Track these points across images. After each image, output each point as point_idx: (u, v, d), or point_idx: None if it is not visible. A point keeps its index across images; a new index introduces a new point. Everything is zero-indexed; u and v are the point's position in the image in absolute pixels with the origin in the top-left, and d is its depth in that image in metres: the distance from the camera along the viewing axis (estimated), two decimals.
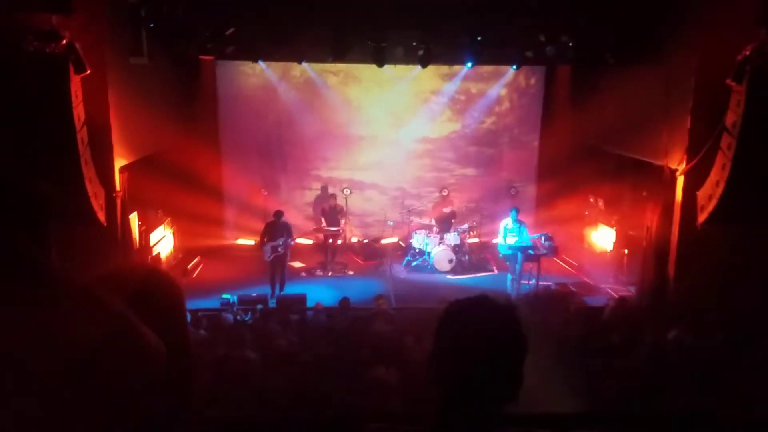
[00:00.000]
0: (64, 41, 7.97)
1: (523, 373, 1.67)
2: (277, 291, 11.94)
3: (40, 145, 8.00)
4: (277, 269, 11.99)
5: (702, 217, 9.13)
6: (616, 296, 11.18)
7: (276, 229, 11.90)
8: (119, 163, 10.06)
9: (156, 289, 1.78)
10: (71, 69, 8.08)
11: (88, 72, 8.33)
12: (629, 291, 11.91)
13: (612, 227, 13.12)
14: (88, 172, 8.66)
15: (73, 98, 8.14)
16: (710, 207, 8.85)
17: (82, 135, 8.44)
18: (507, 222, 12.07)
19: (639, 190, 12.31)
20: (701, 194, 9.22)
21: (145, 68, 10.94)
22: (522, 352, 1.67)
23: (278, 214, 12.00)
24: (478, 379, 1.62)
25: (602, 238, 13.55)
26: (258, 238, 12.77)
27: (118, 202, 9.99)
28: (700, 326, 7.69)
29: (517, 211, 12.13)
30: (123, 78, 10.08)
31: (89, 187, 8.64)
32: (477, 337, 1.64)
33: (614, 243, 12.98)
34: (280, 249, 11.83)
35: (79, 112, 8.35)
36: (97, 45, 8.92)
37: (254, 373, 6.71)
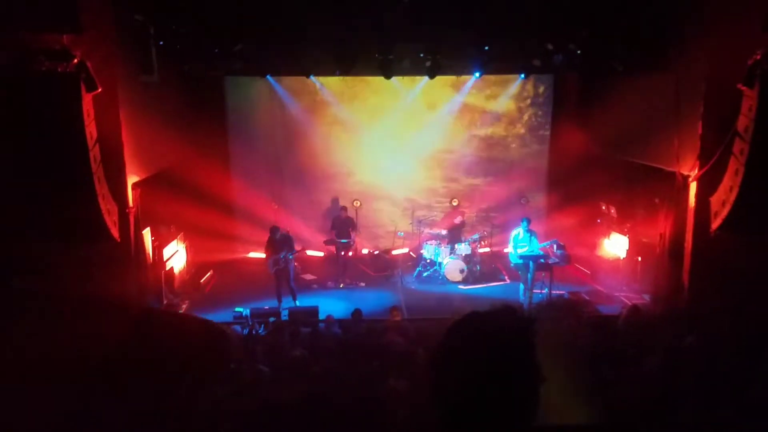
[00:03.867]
0: (75, 60, 8.08)
1: (537, 399, 1.62)
2: (284, 303, 11.91)
3: (53, 164, 8.10)
4: (281, 282, 11.98)
5: (716, 223, 9.06)
6: (630, 304, 11.08)
7: (275, 243, 11.91)
8: (132, 179, 10.16)
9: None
10: (83, 87, 8.18)
11: (100, 90, 8.44)
12: (643, 299, 11.82)
13: (625, 235, 13.04)
14: (101, 189, 8.75)
15: (85, 116, 8.24)
16: (724, 213, 8.78)
17: (94, 153, 8.53)
18: (518, 231, 12.03)
19: (651, 196, 12.23)
20: (714, 200, 9.15)
21: (155, 85, 11.07)
22: (528, 377, 1.62)
23: (273, 230, 12.01)
24: (476, 396, 1.60)
25: (615, 245, 13.46)
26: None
27: (131, 218, 10.08)
28: (714, 334, 7.61)
29: (528, 221, 12.09)
30: (134, 95, 10.19)
31: (102, 204, 8.72)
32: (480, 353, 1.62)
33: (627, 250, 12.89)
34: (281, 263, 11.82)
35: (91, 130, 8.44)
36: (108, 63, 9.04)
37: (265, 386, 6.71)
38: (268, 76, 14.03)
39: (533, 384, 1.63)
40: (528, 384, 1.63)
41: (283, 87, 14.81)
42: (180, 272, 12.95)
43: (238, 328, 9.90)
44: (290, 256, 11.94)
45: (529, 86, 15.31)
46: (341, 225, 13.68)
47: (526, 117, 15.48)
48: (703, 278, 9.85)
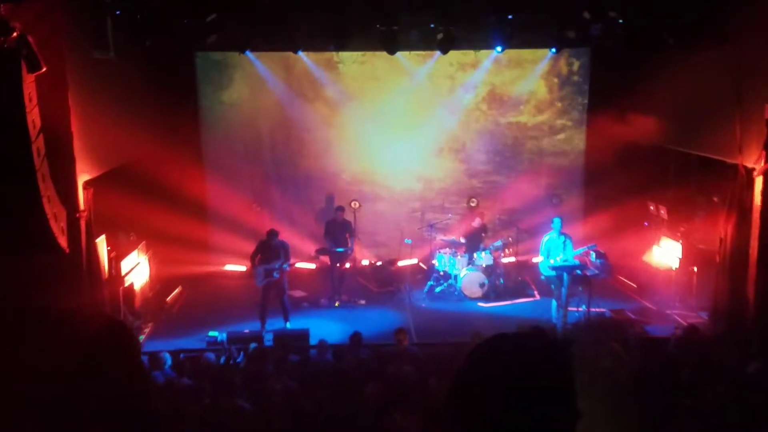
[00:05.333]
0: (15, 34, 8.06)
1: None
2: (270, 325, 11.89)
3: None
4: (270, 298, 11.97)
5: None
6: (684, 324, 11.06)
7: (270, 250, 11.91)
8: (83, 177, 10.14)
9: (114, 346, 1.77)
10: (24, 66, 8.17)
11: (45, 70, 8.42)
12: (700, 317, 11.78)
13: (677, 240, 13.00)
14: (46, 190, 8.72)
15: (27, 102, 8.22)
16: None
17: (38, 145, 8.51)
18: (549, 236, 11.99)
19: (709, 194, 12.20)
20: None
21: (112, 64, 11.05)
22: (563, 411, 1.63)
23: (272, 233, 12.02)
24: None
25: (666, 253, 13.42)
26: (249, 263, 12.77)
27: (83, 224, 10.05)
28: None
29: (562, 221, 12.03)
30: (86, 76, 10.18)
31: (48, 208, 8.69)
32: (506, 383, 1.61)
33: (681, 259, 12.85)
34: (275, 274, 11.82)
35: (33, 117, 8.42)
36: (55, 38, 9.04)
37: (246, 426, 6.69)
38: (247, 53, 14.02)
39: (569, 419, 1.64)
40: (562, 419, 1.63)
41: (265, 66, 14.81)
42: (142, 289, 12.94)
43: (212, 356, 9.87)
44: (286, 267, 11.96)
45: (562, 63, 15.29)
46: (337, 230, 13.66)
47: (558, 100, 15.47)
48: None
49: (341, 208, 13.86)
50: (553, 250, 11.88)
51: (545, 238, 12.09)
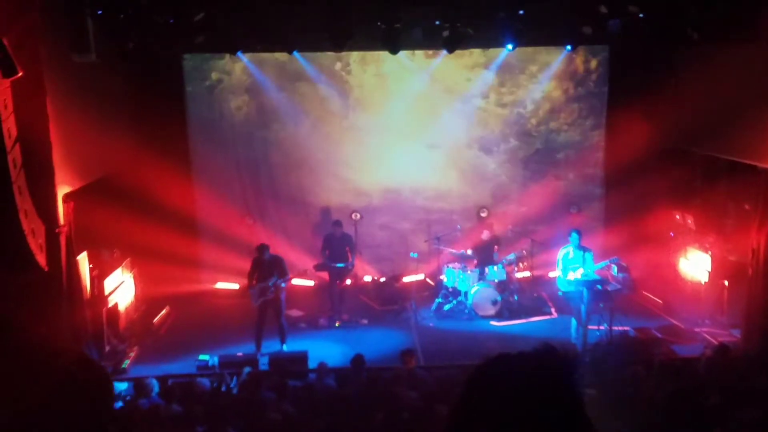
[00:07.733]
0: None
1: None
2: (266, 348, 11.88)
3: None
4: (266, 318, 11.97)
5: None
6: (715, 343, 11.02)
7: (263, 266, 11.91)
8: (63, 189, 10.16)
9: (83, 383, 1.79)
10: None
11: (21, 74, 8.45)
12: (732, 336, 11.74)
13: (706, 252, 12.97)
14: (23, 203, 8.75)
15: (2, 109, 8.26)
16: None
17: (14, 155, 8.54)
18: (567, 250, 11.97)
19: (739, 201, 12.17)
20: None
21: (93, 68, 11.08)
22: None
23: (261, 248, 12.01)
24: None
25: (694, 266, 13.38)
26: (243, 281, 12.76)
27: (63, 239, 10.07)
28: None
29: (579, 233, 12.01)
30: (65, 81, 10.22)
31: (25, 223, 8.73)
32: (509, 409, 1.60)
33: (710, 272, 12.82)
34: (270, 292, 11.82)
35: (9, 125, 8.46)
36: (31, 40, 9.07)
37: None
38: (239, 53, 14.02)
39: None
40: None
41: (259, 68, 14.84)
42: (127, 310, 12.94)
43: (205, 381, 9.86)
44: (282, 284, 11.98)
45: (578, 61, 15.30)
46: (336, 245, 13.65)
47: (574, 101, 15.46)
48: None
49: (338, 223, 13.78)
50: (571, 264, 11.86)
51: (563, 251, 12.07)
